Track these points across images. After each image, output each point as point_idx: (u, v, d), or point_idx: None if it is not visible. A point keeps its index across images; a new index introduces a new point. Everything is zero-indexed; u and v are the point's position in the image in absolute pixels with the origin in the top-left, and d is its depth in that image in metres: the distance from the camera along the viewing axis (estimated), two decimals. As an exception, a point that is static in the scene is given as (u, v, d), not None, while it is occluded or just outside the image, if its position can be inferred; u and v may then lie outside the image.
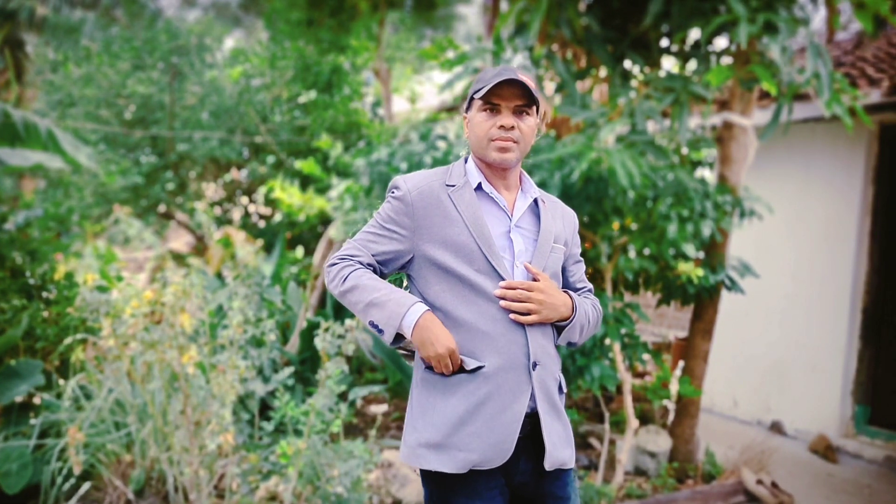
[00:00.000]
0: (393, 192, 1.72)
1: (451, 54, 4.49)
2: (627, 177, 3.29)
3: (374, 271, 1.70)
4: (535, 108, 1.70)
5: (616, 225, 3.81)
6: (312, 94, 8.64)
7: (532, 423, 1.67)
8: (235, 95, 8.81)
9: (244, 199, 9.65)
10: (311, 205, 6.26)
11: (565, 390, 1.78)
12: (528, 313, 1.64)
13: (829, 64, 3.67)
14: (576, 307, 1.73)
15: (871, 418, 5.26)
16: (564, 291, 1.75)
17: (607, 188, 3.46)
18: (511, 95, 1.65)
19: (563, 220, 1.83)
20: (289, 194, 6.31)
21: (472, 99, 1.72)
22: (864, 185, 5.18)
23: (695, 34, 4.13)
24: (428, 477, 1.69)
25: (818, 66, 3.61)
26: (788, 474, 4.59)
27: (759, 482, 4.10)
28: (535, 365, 1.64)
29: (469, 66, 4.33)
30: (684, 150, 4.35)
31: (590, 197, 3.53)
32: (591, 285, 1.92)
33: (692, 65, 4.19)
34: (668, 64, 4.40)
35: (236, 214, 9.61)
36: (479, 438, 1.60)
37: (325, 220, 7.05)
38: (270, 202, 8.60)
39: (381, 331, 1.62)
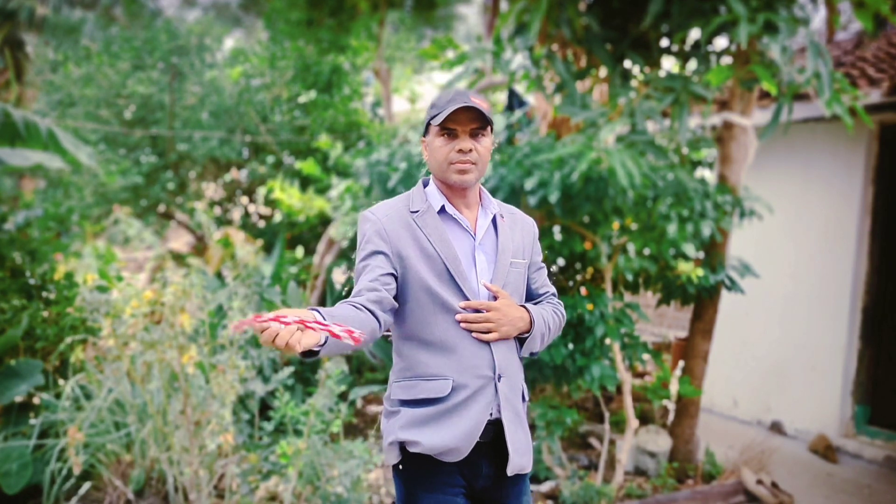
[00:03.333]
0: (364, 224, 1.79)
1: (451, 54, 4.49)
2: (627, 177, 3.29)
3: (378, 293, 1.68)
4: (489, 128, 1.77)
5: (616, 225, 3.81)
6: (312, 94, 8.64)
7: (495, 430, 1.76)
8: (235, 95, 8.81)
9: (244, 199, 9.64)
10: (311, 205, 6.26)
11: (528, 399, 1.88)
12: (488, 332, 1.74)
13: (829, 64, 3.66)
14: (533, 321, 1.81)
15: (871, 418, 5.26)
16: (522, 306, 1.82)
17: (607, 188, 3.46)
18: (466, 120, 1.73)
19: (522, 231, 1.90)
20: (289, 194, 6.31)
21: (428, 124, 1.79)
22: (864, 185, 5.18)
23: (695, 34, 4.13)
24: (397, 474, 1.82)
25: (818, 65, 3.61)
26: (788, 474, 4.59)
27: (759, 482, 4.10)
28: (500, 377, 1.75)
29: (469, 66, 4.33)
30: (684, 150, 4.35)
31: (590, 197, 3.53)
32: (553, 289, 2.00)
33: (692, 65, 4.19)
34: (668, 64, 4.40)
35: (236, 214, 9.61)
36: (441, 434, 1.72)
37: (325, 220, 7.05)
38: (270, 202, 8.60)
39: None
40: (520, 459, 1.78)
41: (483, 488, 1.81)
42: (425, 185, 1.87)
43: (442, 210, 1.80)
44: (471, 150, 1.74)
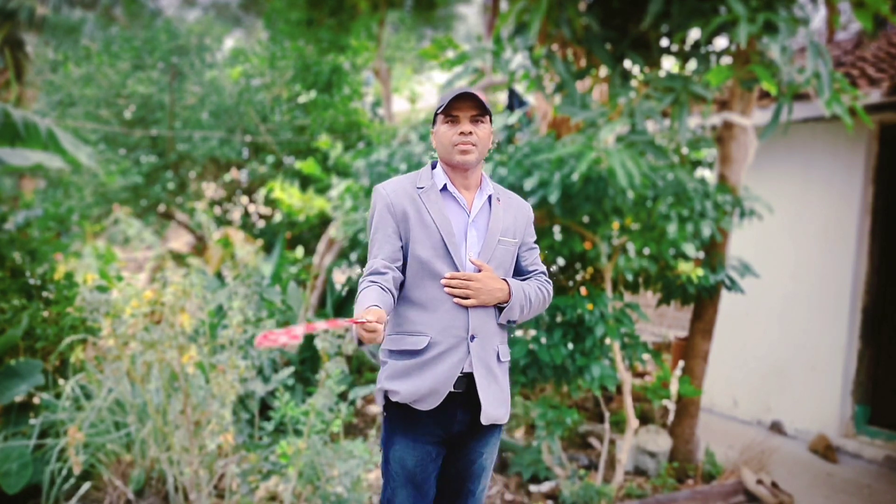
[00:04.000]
0: (376, 197, 2.08)
1: (451, 54, 4.49)
2: (627, 177, 3.29)
3: (392, 274, 1.99)
4: (488, 117, 2.05)
5: (616, 225, 3.80)
6: (312, 94, 8.64)
7: (468, 383, 2.02)
8: (235, 95, 8.81)
9: (244, 199, 9.64)
10: (311, 205, 6.26)
11: (505, 360, 2.11)
12: (467, 298, 2.00)
13: (829, 64, 3.66)
14: (512, 292, 2.05)
15: (871, 418, 5.26)
16: (504, 279, 2.06)
17: (607, 188, 3.46)
18: (467, 107, 2.01)
19: (516, 213, 2.15)
20: (289, 194, 6.31)
21: (436, 116, 2.08)
22: (864, 185, 5.18)
23: (695, 34, 4.13)
24: (385, 420, 2.11)
25: (818, 65, 3.61)
26: (788, 474, 4.59)
27: (759, 482, 4.10)
28: (472, 337, 2.01)
29: (469, 65, 4.33)
30: (684, 150, 4.35)
31: (590, 197, 3.53)
32: (543, 268, 2.24)
33: (692, 65, 4.19)
34: (668, 64, 4.40)
35: (236, 214, 9.60)
36: (416, 384, 1.98)
37: (325, 220, 7.05)
38: (270, 202, 8.60)
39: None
40: (494, 411, 2.03)
41: (458, 433, 2.07)
42: (433, 166, 2.13)
43: (444, 188, 2.07)
44: (471, 133, 2.00)
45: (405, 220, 2.02)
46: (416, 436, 2.03)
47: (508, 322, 2.09)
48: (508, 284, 2.05)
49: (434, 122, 2.10)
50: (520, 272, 2.18)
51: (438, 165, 2.12)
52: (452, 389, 1.99)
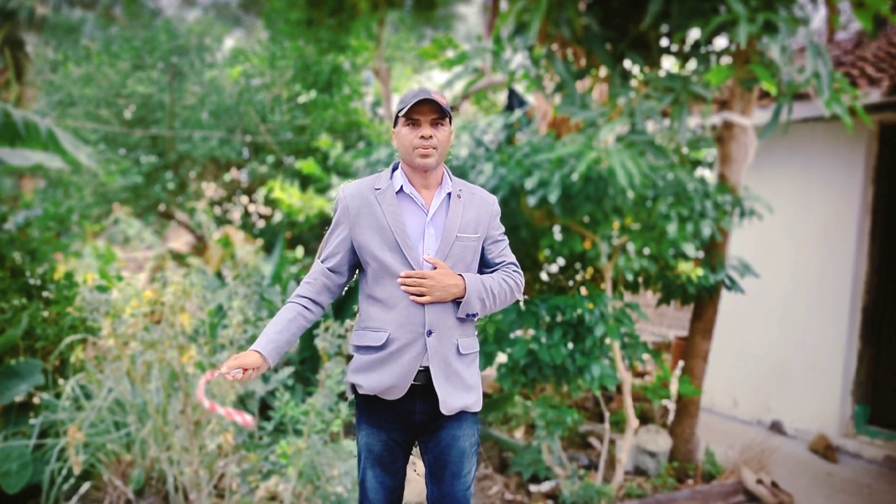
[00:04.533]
0: (337, 200, 2.18)
1: (450, 54, 4.49)
2: (627, 177, 3.28)
3: (324, 281, 2.16)
4: (447, 119, 2.09)
5: (616, 225, 3.80)
6: (312, 94, 8.64)
7: (426, 376, 2.10)
8: (235, 95, 8.81)
9: (244, 199, 9.64)
10: (311, 205, 6.26)
11: (467, 352, 2.17)
12: (422, 295, 2.07)
13: (828, 63, 3.66)
14: (467, 287, 2.11)
15: (871, 418, 5.26)
16: (460, 275, 2.12)
17: (607, 188, 3.46)
18: (428, 111, 2.05)
19: (478, 208, 2.20)
20: (289, 194, 6.31)
21: (397, 117, 2.11)
22: (864, 185, 5.18)
23: (694, 34, 4.13)
24: (354, 402, 2.23)
25: (818, 65, 3.61)
26: (788, 474, 4.59)
27: (759, 482, 4.10)
28: (429, 332, 2.08)
29: (469, 65, 4.32)
30: (684, 150, 4.35)
31: (590, 197, 3.53)
32: (512, 258, 2.28)
33: (692, 64, 4.19)
34: (668, 64, 4.40)
35: (236, 214, 9.61)
36: (378, 377, 2.10)
37: (325, 220, 7.05)
38: (270, 202, 8.60)
39: None
40: (453, 401, 2.11)
41: (421, 423, 2.15)
42: (395, 168, 2.20)
43: (401, 190, 2.13)
44: (431, 137, 2.05)
45: (359, 222, 2.11)
46: (381, 423, 2.15)
47: (470, 315, 2.14)
48: (464, 280, 2.11)
49: (395, 122, 2.14)
50: (487, 265, 2.24)
51: (400, 166, 2.18)
52: (413, 383, 2.09)
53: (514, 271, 2.26)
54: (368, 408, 2.16)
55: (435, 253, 2.11)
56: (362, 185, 2.17)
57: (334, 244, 2.16)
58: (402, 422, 2.15)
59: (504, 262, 2.26)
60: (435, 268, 2.10)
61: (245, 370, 1.97)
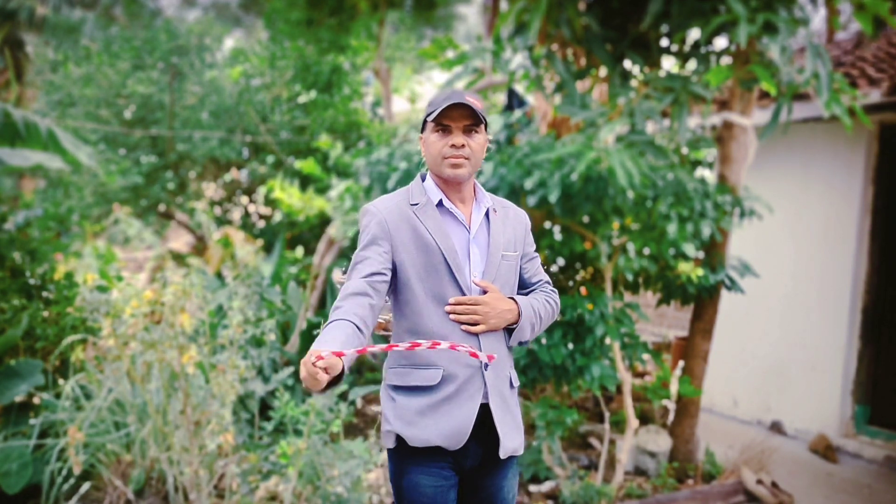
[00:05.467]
0: (366, 217, 1.88)
1: (450, 54, 4.49)
2: (627, 177, 3.29)
3: (369, 300, 1.76)
4: (483, 126, 1.86)
5: (616, 225, 3.81)
6: (312, 94, 8.64)
7: (483, 413, 1.85)
8: (235, 95, 8.81)
9: (244, 199, 9.65)
10: (311, 205, 6.26)
11: (516, 385, 1.96)
12: (475, 324, 1.83)
13: (828, 64, 3.66)
14: (521, 312, 1.89)
15: (871, 418, 5.26)
16: (511, 298, 1.90)
17: (607, 188, 3.46)
18: (460, 117, 1.82)
19: (514, 224, 1.99)
20: (289, 194, 6.31)
21: (425, 122, 1.88)
22: (864, 185, 5.18)
23: (694, 34, 4.13)
24: (391, 453, 1.92)
25: (818, 66, 3.61)
26: (788, 474, 4.59)
27: (759, 482, 4.10)
28: (486, 366, 1.84)
29: (469, 65, 4.33)
30: (684, 150, 4.35)
31: (590, 197, 3.53)
32: (546, 277, 2.08)
33: (692, 65, 4.19)
34: (668, 64, 4.40)
35: (236, 214, 9.61)
36: (436, 427, 1.81)
37: (325, 220, 7.05)
38: (270, 202, 8.60)
39: None
40: (510, 443, 1.88)
41: (472, 467, 1.91)
42: (423, 179, 1.95)
43: (440, 203, 1.88)
44: (463, 146, 1.82)
45: (401, 242, 1.83)
46: (432, 461, 1.86)
47: (521, 343, 1.94)
48: (517, 304, 1.89)
49: (423, 127, 1.90)
50: (523, 285, 2.03)
51: (429, 178, 1.93)
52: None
53: (552, 290, 2.06)
54: (414, 459, 1.86)
55: (482, 275, 1.87)
56: (395, 200, 1.89)
57: (375, 260, 1.79)
58: (452, 465, 1.88)
59: (540, 281, 2.05)
60: (485, 292, 1.86)
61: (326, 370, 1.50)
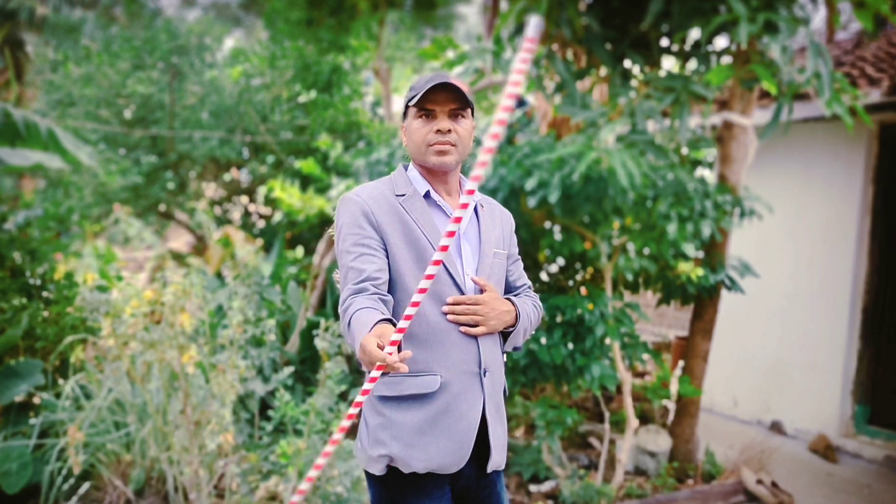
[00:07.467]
0: (349, 205, 1.68)
1: (451, 54, 4.49)
2: (627, 177, 3.28)
3: (381, 297, 1.62)
4: (469, 110, 1.70)
5: (616, 225, 3.81)
6: (312, 94, 8.64)
7: (480, 425, 1.70)
8: (235, 95, 8.81)
9: (244, 199, 9.65)
10: (311, 204, 6.26)
11: (507, 393, 1.82)
12: (475, 325, 1.67)
13: (829, 63, 3.66)
14: (519, 314, 1.76)
15: (870, 418, 5.26)
16: (507, 299, 1.77)
17: (607, 188, 3.46)
18: (445, 100, 1.65)
19: (501, 222, 1.85)
20: (289, 194, 6.30)
21: (407, 108, 1.72)
22: (864, 185, 5.18)
23: (695, 34, 4.12)
24: (380, 481, 1.71)
25: (818, 65, 3.61)
26: (788, 474, 4.59)
27: (759, 482, 4.10)
28: (485, 372, 1.69)
29: (469, 66, 4.33)
30: (684, 150, 4.35)
31: (590, 197, 3.53)
32: (529, 282, 1.95)
33: (692, 64, 4.19)
34: (668, 63, 4.40)
35: (236, 214, 9.61)
36: (438, 446, 1.63)
37: (325, 220, 7.05)
38: (270, 202, 8.60)
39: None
40: (498, 456, 1.73)
41: (463, 487, 1.77)
42: (406, 169, 1.79)
43: (427, 195, 1.72)
44: (449, 131, 1.66)
45: (388, 236, 1.64)
46: (434, 487, 1.67)
47: (514, 349, 1.81)
48: (514, 305, 1.76)
49: (405, 114, 1.74)
50: (507, 289, 1.88)
51: (412, 167, 1.77)
52: None
53: (535, 295, 1.93)
54: (415, 487, 1.66)
55: (475, 273, 1.71)
56: (379, 189, 1.72)
57: (370, 255, 1.61)
58: (450, 487, 1.73)
59: (524, 285, 1.91)
60: (481, 291, 1.70)
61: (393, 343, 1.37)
